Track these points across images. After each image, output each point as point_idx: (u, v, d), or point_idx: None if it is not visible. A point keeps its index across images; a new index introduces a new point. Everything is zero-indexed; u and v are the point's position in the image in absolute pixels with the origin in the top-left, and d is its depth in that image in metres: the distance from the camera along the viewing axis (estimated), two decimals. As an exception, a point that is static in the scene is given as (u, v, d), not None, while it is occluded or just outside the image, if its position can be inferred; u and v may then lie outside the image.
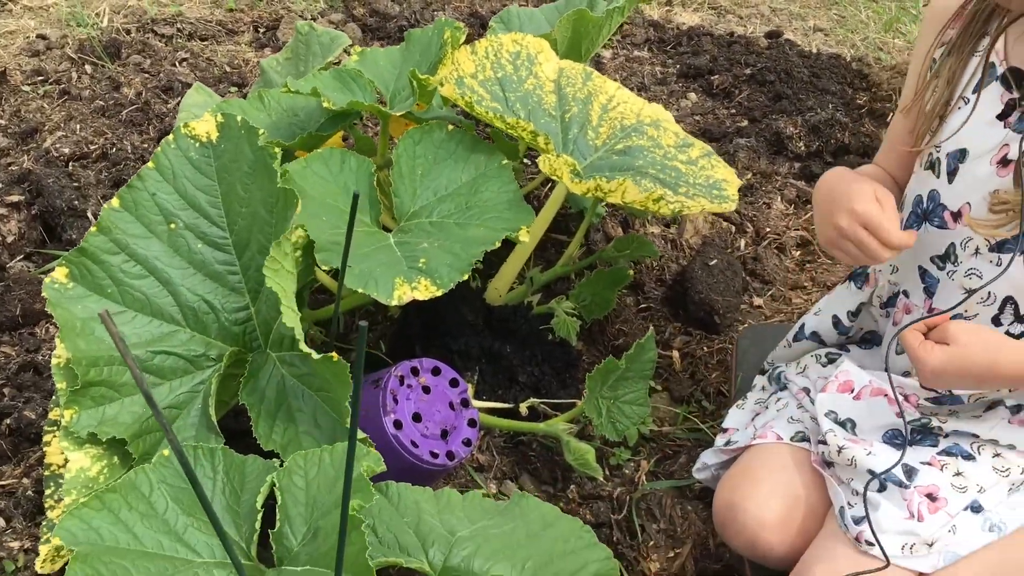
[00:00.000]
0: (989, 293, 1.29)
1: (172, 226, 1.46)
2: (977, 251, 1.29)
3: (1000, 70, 1.26)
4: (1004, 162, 1.24)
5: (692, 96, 2.99)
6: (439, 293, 1.40)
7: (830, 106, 2.68)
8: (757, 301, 2.10)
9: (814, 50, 3.31)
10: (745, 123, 2.79)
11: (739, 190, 2.42)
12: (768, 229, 2.29)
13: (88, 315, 1.40)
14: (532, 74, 1.86)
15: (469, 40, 3.30)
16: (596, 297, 1.85)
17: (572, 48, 2.07)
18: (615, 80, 3.11)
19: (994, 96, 1.27)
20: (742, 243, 2.26)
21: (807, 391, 1.50)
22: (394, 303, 1.38)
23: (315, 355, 1.26)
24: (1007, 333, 1.28)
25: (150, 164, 1.47)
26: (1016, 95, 1.24)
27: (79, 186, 2.27)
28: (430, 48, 1.91)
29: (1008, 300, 1.28)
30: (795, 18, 3.68)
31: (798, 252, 2.26)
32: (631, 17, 3.48)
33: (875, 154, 2.52)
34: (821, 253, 2.26)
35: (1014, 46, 1.26)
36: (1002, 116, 1.26)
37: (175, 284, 1.45)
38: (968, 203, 1.29)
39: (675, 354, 1.92)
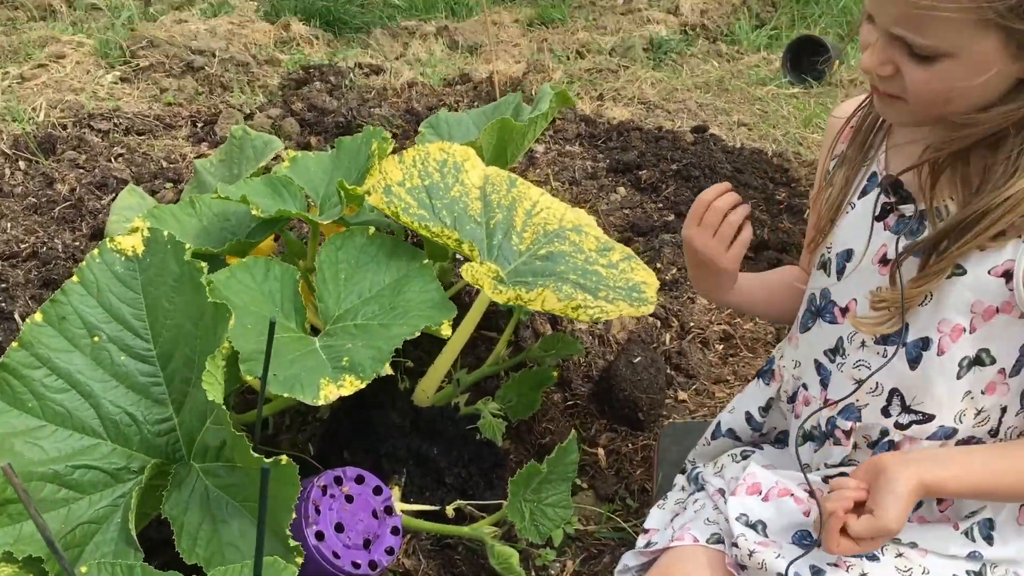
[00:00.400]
0: (877, 384, 1.36)
1: (95, 339, 1.47)
2: (864, 344, 1.37)
3: (880, 177, 1.37)
4: (884, 261, 1.34)
5: (621, 190, 3.10)
6: (363, 385, 1.45)
7: (750, 203, 2.79)
8: (681, 395, 2.15)
9: (738, 144, 3.45)
10: (671, 217, 2.89)
11: (664, 285, 2.52)
12: (692, 323, 2.37)
13: (7, 430, 1.39)
14: (459, 181, 1.93)
15: (406, 135, 3.39)
16: (522, 398, 1.89)
17: (498, 154, 2.15)
18: (548, 172, 3.22)
19: (875, 201, 1.37)
20: (667, 337, 2.32)
21: (722, 492, 1.54)
22: (320, 403, 1.41)
23: (253, 456, 1.27)
24: (896, 423, 1.35)
25: (75, 278, 1.49)
26: (892, 200, 1.34)
27: (7, 287, 2.27)
28: (359, 155, 1.97)
29: (894, 391, 1.35)
30: (720, 113, 3.84)
31: (721, 346, 2.33)
32: (563, 112, 3.60)
33: (792, 249, 2.64)
34: (743, 347, 2.33)
35: (892, 156, 1.37)
36: (880, 218, 1.35)
37: (97, 397, 1.46)
38: (855, 299, 1.37)
39: (600, 452, 1.96)
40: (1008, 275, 1.22)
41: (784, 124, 3.71)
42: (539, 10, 4.82)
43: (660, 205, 2.98)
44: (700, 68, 4.31)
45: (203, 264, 1.45)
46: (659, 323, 2.36)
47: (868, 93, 1.38)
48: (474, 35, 4.41)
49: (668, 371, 2.19)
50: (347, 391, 1.45)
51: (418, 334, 1.54)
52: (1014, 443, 1.34)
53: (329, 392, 1.44)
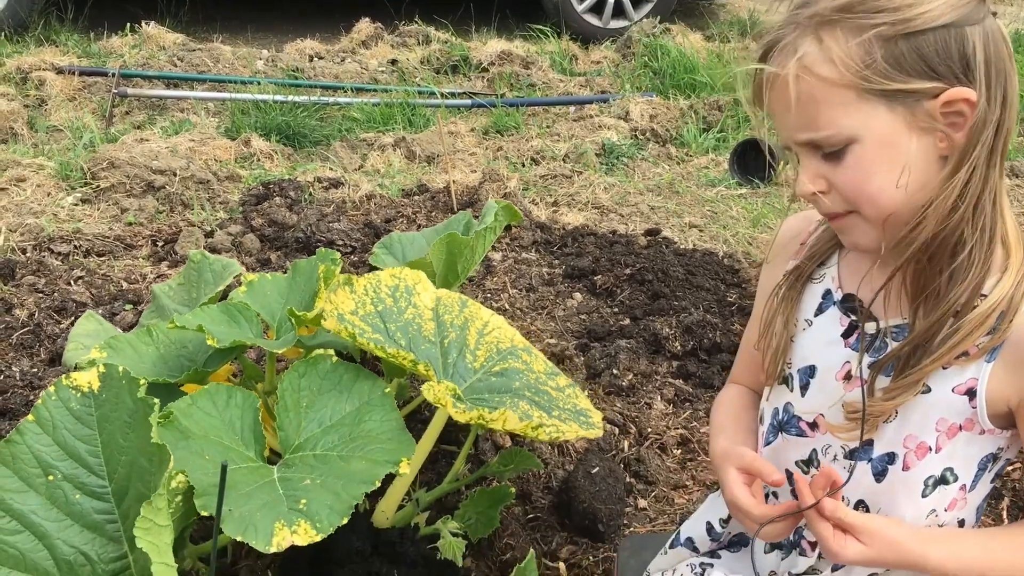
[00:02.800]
0: (844, 498, 1.39)
1: (51, 478, 1.47)
2: (835, 458, 1.40)
3: (837, 296, 1.41)
4: (847, 377, 1.37)
5: (577, 296, 3.16)
6: (319, 538, 1.43)
7: (702, 306, 2.87)
8: (641, 503, 2.17)
9: (690, 246, 3.55)
10: (627, 321, 2.95)
11: (621, 391, 2.55)
12: (650, 429, 2.40)
13: (-42, 576, 1.38)
14: (411, 304, 1.97)
15: (364, 248, 3.43)
16: (480, 516, 1.90)
17: (449, 268, 2.21)
18: (505, 280, 3.28)
19: (834, 319, 1.40)
20: (625, 444, 2.35)
21: (680, 605, 1.55)
22: (272, 550, 1.40)
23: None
24: None
25: (30, 417, 1.50)
26: (853, 318, 1.38)
27: (-38, 419, 2.25)
28: (312, 278, 2.01)
29: (860, 502, 1.39)
30: (672, 215, 3.95)
31: (679, 451, 2.37)
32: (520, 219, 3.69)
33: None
34: (701, 452, 2.36)
35: (847, 275, 1.42)
36: (844, 335, 1.39)
37: (51, 537, 1.45)
38: (822, 414, 1.40)
39: (562, 566, 1.97)
40: (971, 393, 1.24)
41: (733, 225, 3.82)
42: (494, 118, 4.97)
43: (616, 310, 3.04)
44: (651, 171, 4.45)
45: (155, 401, 1.46)
46: (616, 430, 2.39)
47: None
48: (431, 145, 4.53)
49: (627, 479, 2.21)
50: (301, 540, 1.43)
51: (379, 483, 1.54)
52: (1004, 527, 1.38)
53: (282, 539, 1.42)
